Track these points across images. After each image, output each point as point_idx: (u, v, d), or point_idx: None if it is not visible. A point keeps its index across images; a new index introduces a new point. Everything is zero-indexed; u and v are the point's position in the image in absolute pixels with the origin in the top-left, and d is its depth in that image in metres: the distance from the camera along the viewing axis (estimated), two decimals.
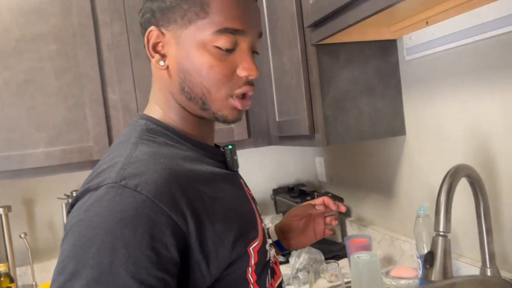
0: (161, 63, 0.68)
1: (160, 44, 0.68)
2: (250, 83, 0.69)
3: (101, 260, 0.53)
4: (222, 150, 0.76)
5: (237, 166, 0.78)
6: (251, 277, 0.67)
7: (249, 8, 0.68)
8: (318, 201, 0.95)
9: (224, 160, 0.76)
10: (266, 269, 0.71)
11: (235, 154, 0.77)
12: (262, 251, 0.70)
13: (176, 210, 0.57)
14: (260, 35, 0.71)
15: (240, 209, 0.69)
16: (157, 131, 0.68)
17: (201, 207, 0.61)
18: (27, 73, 1.38)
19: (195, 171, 0.65)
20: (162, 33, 0.67)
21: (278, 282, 0.74)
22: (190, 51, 0.66)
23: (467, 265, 1.11)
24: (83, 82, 1.42)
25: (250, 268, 0.67)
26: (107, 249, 0.53)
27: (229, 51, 0.66)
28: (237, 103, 0.68)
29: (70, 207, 0.61)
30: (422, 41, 1.19)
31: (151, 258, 0.54)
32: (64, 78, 1.41)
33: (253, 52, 0.71)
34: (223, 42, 0.65)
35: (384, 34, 1.25)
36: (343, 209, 0.94)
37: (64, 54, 1.41)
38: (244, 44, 0.67)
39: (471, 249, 1.13)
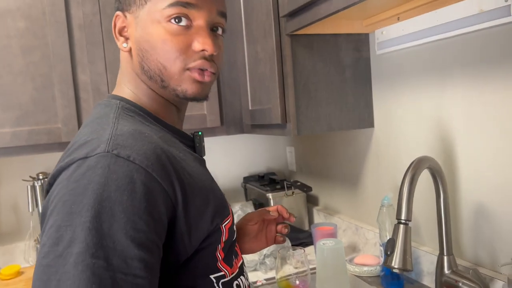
0: (124, 45, 0.71)
1: (125, 28, 0.71)
2: (208, 58, 0.69)
3: (100, 224, 0.52)
4: (191, 135, 0.78)
5: (204, 153, 0.81)
6: (219, 255, 0.70)
7: None
8: (272, 208, 0.99)
9: (192, 145, 0.78)
10: (232, 248, 0.74)
11: (203, 141, 0.79)
12: (231, 230, 0.73)
13: (167, 181, 0.59)
14: (221, 13, 0.71)
15: (213, 188, 0.72)
16: (132, 110, 0.69)
17: (185, 181, 0.63)
18: None
19: (173, 149, 0.67)
20: (125, 17, 0.70)
21: (240, 262, 0.78)
22: (147, 29, 0.67)
23: (426, 253, 1.17)
24: (52, 62, 1.39)
25: (219, 245, 0.69)
26: (106, 214, 0.53)
27: (185, 27, 0.67)
28: (195, 74, 0.69)
29: (52, 179, 0.60)
30: (393, 36, 1.22)
31: (148, 223, 0.55)
32: (32, 56, 1.37)
33: (216, 30, 0.72)
34: (173, 12, 0.66)
35: (357, 28, 1.27)
36: (292, 220, 0.98)
37: (33, 32, 1.37)
38: (200, 20, 0.68)
39: (431, 239, 1.19)
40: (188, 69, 0.68)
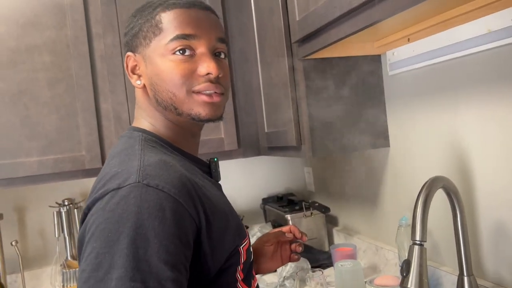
0: (138, 82, 0.78)
1: (137, 66, 0.78)
2: (213, 81, 0.74)
3: (136, 250, 0.57)
4: (207, 162, 0.83)
5: (220, 178, 0.85)
6: (239, 276, 0.74)
7: (199, 16, 0.75)
8: (286, 228, 1.03)
9: (209, 171, 0.83)
10: (250, 269, 0.79)
11: (219, 166, 0.85)
12: (249, 251, 0.78)
13: (192, 207, 0.65)
14: (220, 39, 0.77)
15: (231, 212, 0.76)
16: (154, 141, 0.75)
17: (206, 206, 0.68)
18: (21, 83, 1.41)
19: (194, 177, 0.72)
20: (135, 56, 0.78)
21: (256, 283, 0.82)
22: (155, 64, 0.75)
23: (447, 273, 1.15)
24: (76, 92, 1.46)
25: (239, 267, 0.74)
26: (140, 240, 0.58)
27: (189, 56, 0.73)
28: (203, 97, 0.74)
29: (86, 209, 0.65)
30: (404, 57, 1.24)
31: (177, 246, 0.60)
32: (57, 88, 1.44)
33: (218, 55, 0.78)
34: (176, 45, 0.73)
35: (368, 50, 1.29)
36: (304, 239, 1.03)
37: (58, 65, 1.45)
38: (201, 47, 0.74)
39: (452, 259, 1.17)
40: (194, 92, 0.74)
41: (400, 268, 1.20)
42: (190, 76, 0.73)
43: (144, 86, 0.78)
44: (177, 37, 0.73)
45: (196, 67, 0.73)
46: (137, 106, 0.82)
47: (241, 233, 0.76)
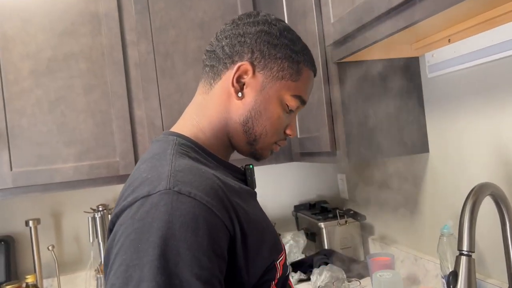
0: (239, 94, 0.76)
1: (245, 78, 0.76)
2: (286, 139, 0.83)
3: (167, 263, 0.53)
4: (242, 169, 0.81)
5: (255, 186, 0.83)
6: None
7: (312, 85, 0.84)
8: None
9: (244, 179, 0.80)
10: (285, 283, 0.75)
11: (254, 174, 0.83)
12: (285, 266, 0.74)
13: (226, 216, 0.61)
14: None
15: (268, 224, 0.73)
16: (188, 146, 0.73)
17: (241, 216, 0.64)
18: (58, 91, 1.44)
19: (229, 184, 0.69)
20: (253, 72, 0.76)
21: None
22: (271, 99, 0.77)
23: (494, 286, 1.08)
24: (110, 99, 1.48)
25: (273, 282, 0.70)
26: (171, 252, 0.54)
27: (290, 112, 0.80)
28: (275, 148, 0.82)
29: (114, 218, 0.62)
30: (445, 59, 1.19)
31: (211, 259, 0.56)
32: (93, 95, 1.47)
33: None
34: (294, 104, 0.79)
35: (406, 52, 1.25)
36: None
37: (93, 72, 1.47)
38: (298, 110, 0.82)
39: (499, 271, 1.10)
40: (275, 143, 0.81)
41: (444, 279, 1.15)
42: (283, 130, 0.81)
43: (242, 99, 0.76)
44: (299, 98, 0.79)
45: (287, 124, 0.81)
46: (203, 108, 0.78)
47: (278, 247, 0.73)
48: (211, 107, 0.77)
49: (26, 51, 1.42)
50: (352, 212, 1.68)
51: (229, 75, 0.76)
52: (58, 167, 1.43)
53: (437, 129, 1.28)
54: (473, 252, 0.81)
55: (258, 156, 0.81)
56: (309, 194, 2.06)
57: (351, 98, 1.25)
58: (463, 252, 0.81)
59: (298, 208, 1.98)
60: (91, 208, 1.68)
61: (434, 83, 1.26)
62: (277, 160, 1.63)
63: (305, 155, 1.53)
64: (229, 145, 0.80)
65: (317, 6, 1.24)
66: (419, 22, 0.85)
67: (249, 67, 0.75)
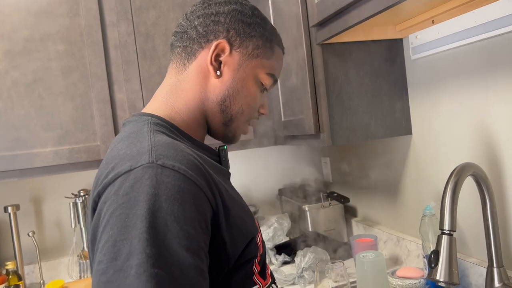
0: (218, 72, 0.76)
1: (222, 56, 0.76)
2: (258, 118, 0.84)
3: (156, 234, 0.52)
4: (216, 150, 0.81)
5: (229, 167, 0.84)
6: (256, 268, 0.71)
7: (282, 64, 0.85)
8: None
9: (218, 160, 0.80)
10: (265, 261, 0.76)
11: (227, 155, 0.84)
12: (263, 243, 0.76)
13: (209, 190, 0.61)
14: None
15: (243, 202, 0.74)
16: (162, 125, 0.72)
17: (222, 191, 0.64)
18: (36, 73, 1.40)
19: (207, 160, 0.70)
20: (230, 50, 0.75)
21: (269, 270, 0.80)
22: (247, 77, 0.77)
23: (474, 265, 1.11)
24: (90, 81, 1.44)
25: (256, 260, 0.71)
26: (160, 224, 0.53)
27: (265, 90, 0.81)
28: (247, 128, 0.83)
29: (97, 197, 0.60)
30: (428, 40, 1.18)
31: (198, 231, 0.56)
32: (72, 77, 1.43)
33: None
34: (268, 83, 0.80)
35: (390, 33, 1.25)
36: None
37: (72, 54, 1.43)
38: (270, 89, 0.84)
39: (479, 249, 1.12)
40: (248, 121, 0.81)
41: (426, 259, 1.16)
42: (257, 108, 0.82)
43: (220, 77, 0.76)
44: (273, 76, 0.80)
45: (261, 103, 0.83)
46: (170, 88, 0.77)
47: (255, 224, 0.74)
48: (186, 88, 0.76)
49: (1, 32, 1.37)
50: (335, 194, 1.69)
51: (204, 54, 0.75)
52: (37, 151, 1.39)
53: (420, 111, 1.28)
54: (454, 231, 0.82)
55: (231, 138, 0.82)
56: (294, 177, 2.06)
57: (335, 80, 1.25)
58: (444, 231, 0.82)
59: (282, 191, 1.99)
60: (72, 193, 1.66)
61: (418, 65, 1.26)
62: (260, 144, 1.62)
63: (289, 138, 1.52)
64: (205, 127, 0.79)
65: None
66: (402, 2, 0.84)
67: (226, 45, 0.75)
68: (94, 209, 0.61)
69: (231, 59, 0.76)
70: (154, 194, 0.54)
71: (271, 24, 0.82)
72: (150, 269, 0.50)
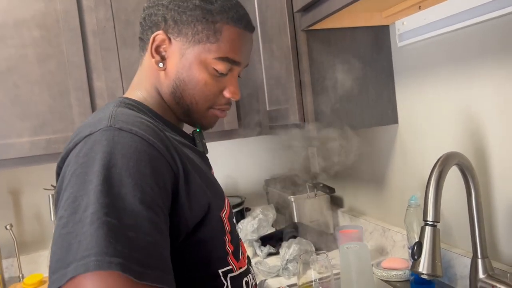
0: (161, 64, 0.76)
1: (163, 47, 0.75)
2: (230, 103, 0.80)
3: (110, 187, 0.55)
4: (191, 135, 0.82)
5: (207, 151, 0.84)
6: (229, 248, 0.73)
7: (248, 42, 0.78)
8: None
9: (194, 144, 0.82)
10: (239, 243, 0.78)
11: (203, 138, 0.84)
12: (231, 222, 0.76)
13: (168, 154, 0.62)
14: (247, 65, 0.82)
15: (212, 179, 0.75)
16: (133, 105, 0.73)
17: (184, 158, 0.66)
18: (10, 60, 1.34)
19: (175, 139, 0.71)
20: (169, 40, 0.74)
21: (246, 260, 0.80)
22: (192, 65, 0.74)
23: (459, 256, 1.09)
24: (67, 69, 1.39)
25: (226, 238, 0.72)
26: (114, 179, 0.55)
27: (223, 75, 0.76)
28: (216, 113, 0.79)
29: (61, 162, 0.63)
30: (415, 27, 1.15)
31: (153, 188, 0.58)
32: (48, 65, 1.37)
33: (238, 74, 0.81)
34: (222, 67, 0.75)
35: (376, 20, 1.21)
36: None
37: (48, 41, 1.37)
38: (235, 71, 0.79)
39: (464, 240, 1.11)
40: (212, 108, 0.78)
41: (410, 250, 1.15)
42: (217, 94, 0.77)
43: (165, 70, 0.76)
44: (227, 59, 0.75)
45: (224, 87, 0.78)
46: (139, 78, 0.79)
47: (221, 199, 0.74)
48: (145, 79, 0.78)
49: None
50: (321, 185, 1.66)
51: (149, 47, 0.76)
52: (13, 141, 1.34)
53: (406, 100, 1.26)
54: (438, 222, 0.80)
55: (202, 126, 0.81)
56: (280, 168, 2.03)
57: (320, 67, 1.21)
58: (428, 222, 0.79)
59: (268, 182, 1.96)
60: (52, 185, 1.61)
61: (404, 52, 1.23)
62: (245, 134, 1.59)
63: (275, 128, 1.49)
64: (171, 111, 0.79)
65: None
66: None
67: (163, 36, 0.74)
68: (58, 174, 0.64)
69: (171, 50, 0.74)
70: (110, 153, 0.57)
71: (222, 3, 0.75)
72: (103, 217, 0.52)
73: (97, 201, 0.53)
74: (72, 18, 1.38)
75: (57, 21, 1.38)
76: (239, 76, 0.82)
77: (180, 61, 0.74)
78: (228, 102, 0.80)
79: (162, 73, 0.76)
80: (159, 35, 0.74)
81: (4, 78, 1.34)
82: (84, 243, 0.51)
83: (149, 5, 0.77)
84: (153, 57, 0.75)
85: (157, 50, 0.75)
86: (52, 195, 1.59)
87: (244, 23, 0.76)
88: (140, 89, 0.78)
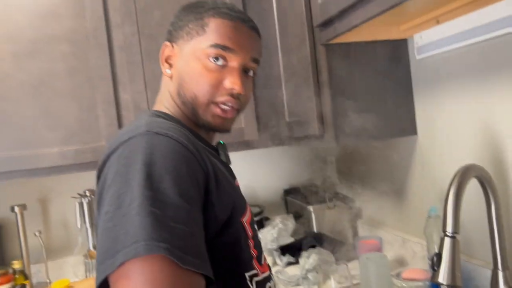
0: (167, 71, 0.82)
1: (170, 56, 0.82)
2: (234, 96, 0.78)
3: (152, 183, 0.59)
4: (215, 146, 0.87)
5: (230, 162, 0.89)
6: (253, 252, 0.76)
7: (242, 32, 0.79)
8: None
9: (217, 155, 0.85)
10: (261, 248, 0.81)
11: (227, 150, 0.89)
12: (253, 227, 0.79)
13: (200, 158, 0.67)
14: (254, 60, 0.81)
15: (235, 186, 0.81)
16: (163, 116, 0.78)
17: (213, 163, 0.71)
18: (42, 74, 1.40)
19: (200, 143, 0.75)
20: (173, 47, 0.81)
21: (268, 271, 0.82)
22: (188, 61, 0.78)
23: (478, 267, 1.09)
24: (95, 83, 1.45)
25: (250, 242, 0.76)
26: (155, 175, 0.60)
27: (221, 66, 0.77)
28: (217, 110, 0.78)
29: (102, 165, 0.67)
30: (433, 40, 1.17)
31: (190, 185, 0.62)
32: (77, 79, 1.44)
33: (247, 72, 0.81)
34: (213, 53, 0.76)
35: (394, 33, 1.24)
36: None
37: (77, 56, 1.43)
38: (234, 62, 0.78)
39: (484, 251, 1.11)
40: (214, 102, 0.78)
41: (429, 261, 1.15)
42: (216, 86, 0.77)
43: (172, 75, 0.81)
44: (216, 46, 0.76)
45: (223, 79, 0.77)
46: (160, 92, 0.85)
47: (243, 205, 0.78)
48: (162, 92, 0.85)
49: (7, 33, 1.38)
50: (341, 195, 1.68)
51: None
52: (43, 152, 1.40)
53: (425, 111, 1.27)
54: (457, 233, 0.81)
55: (207, 124, 0.79)
56: (299, 178, 2.05)
57: (339, 80, 1.24)
58: (447, 233, 0.81)
59: (287, 192, 1.98)
60: (78, 194, 1.67)
61: (423, 65, 1.25)
62: (265, 145, 1.62)
63: (294, 139, 1.51)
64: (193, 123, 0.83)
65: None
66: (406, 2, 0.84)
67: (167, 44, 0.82)
68: (98, 177, 0.69)
69: (174, 55, 0.81)
70: (150, 153, 0.62)
71: (211, 3, 0.80)
72: (149, 207, 0.57)
73: (142, 194, 0.58)
74: (100, 34, 1.44)
75: (86, 37, 1.44)
76: (254, 74, 0.83)
77: (179, 62, 0.80)
78: (231, 94, 0.77)
79: (170, 79, 0.82)
80: (165, 45, 0.82)
81: (37, 91, 1.40)
82: (132, 231, 0.55)
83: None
84: (162, 65, 0.82)
85: (167, 60, 0.82)
86: (79, 203, 1.65)
87: (233, 15, 0.78)
88: (162, 102, 0.83)
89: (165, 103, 0.83)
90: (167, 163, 0.62)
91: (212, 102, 0.77)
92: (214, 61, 0.76)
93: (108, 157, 0.66)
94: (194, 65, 0.77)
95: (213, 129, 0.81)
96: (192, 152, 0.66)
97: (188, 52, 0.78)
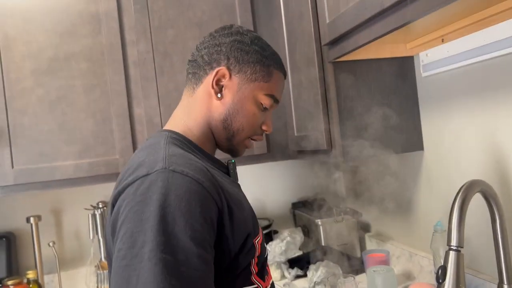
0: (219, 95, 0.87)
1: (223, 81, 0.87)
2: (263, 135, 0.93)
3: (165, 226, 0.63)
4: (226, 164, 0.91)
5: (237, 179, 0.94)
6: (254, 269, 0.79)
7: (283, 86, 0.94)
8: None
9: (227, 172, 0.90)
10: (265, 265, 0.84)
11: (236, 168, 0.93)
12: (263, 247, 0.83)
13: (215, 192, 0.71)
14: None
15: (248, 207, 0.83)
16: (178, 139, 0.83)
17: (226, 194, 0.75)
18: (60, 90, 1.46)
19: (214, 170, 0.79)
20: (230, 75, 0.86)
21: (271, 280, 0.87)
22: (246, 98, 0.87)
23: (485, 281, 1.11)
24: (110, 98, 1.50)
25: (253, 260, 0.79)
26: (169, 218, 0.63)
27: (265, 109, 0.89)
28: (248, 143, 0.92)
29: (117, 195, 0.71)
30: (438, 58, 1.21)
31: (202, 225, 0.66)
32: (93, 94, 1.49)
33: None
34: (267, 102, 0.89)
35: (400, 51, 1.27)
36: None
37: (93, 72, 1.49)
38: (272, 108, 0.92)
39: (490, 266, 1.12)
40: (250, 137, 0.90)
41: (435, 275, 1.17)
42: (259, 126, 0.90)
43: (221, 99, 0.87)
44: (272, 97, 0.89)
45: (263, 121, 0.91)
46: (184, 106, 0.89)
47: (256, 227, 0.82)
48: (195, 108, 0.88)
49: (28, 51, 1.44)
50: (348, 209, 1.70)
51: (209, 79, 0.87)
52: (59, 164, 1.45)
53: (431, 127, 1.30)
54: (462, 247, 0.83)
55: (235, 151, 0.91)
56: (307, 191, 2.08)
57: (346, 97, 1.27)
58: (452, 247, 0.83)
59: (296, 205, 2.01)
60: (91, 205, 1.71)
61: (429, 82, 1.28)
62: (274, 158, 1.65)
63: (302, 153, 1.55)
64: (213, 141, 0.90)
65: (313, 7, 1.26)
66: (412, 22, 0.87)
67: (226, 71, 0.86)
68: (113, 205, 0.72)
69: (231, 83, 0.86)
70: (165, 194, 0.65)
71: (271, 51, 0.91)
72: (159, 254, 0.61)
73: (154, 239, 0.62)
74: (115, 51, 1.50)
75: (102, 54, 1.50)
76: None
77: (237, 94, 0.86)
78: (262, 134, 0.92)
79: (217, 102, 0.87)
80: (222, 70, 0.86)
81: (54, 106, 1.46)
82: (143, 278, 0.59)
83: (205, 45, 0.89)
84: (213, 88, 0.86)
85: (217, 82, 0.86)
86: (92, 214, 1.69)
87: (284, 70, 0.93)
88: (185, 119, 0.88)
89: (188, 121, 0.87)
90: (181, 204, 0.65)
91: (249, 137, 0.90)
92: (264, 107, 0.89)
93: (124, 189, 0.70)
94: (250, 106, 0.87)
95: (233, 154, 0.92)
96: (207, 189, 0.69)
97: (248, 90, 0.86)
